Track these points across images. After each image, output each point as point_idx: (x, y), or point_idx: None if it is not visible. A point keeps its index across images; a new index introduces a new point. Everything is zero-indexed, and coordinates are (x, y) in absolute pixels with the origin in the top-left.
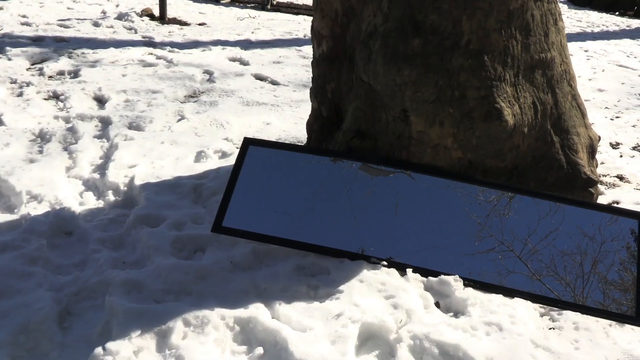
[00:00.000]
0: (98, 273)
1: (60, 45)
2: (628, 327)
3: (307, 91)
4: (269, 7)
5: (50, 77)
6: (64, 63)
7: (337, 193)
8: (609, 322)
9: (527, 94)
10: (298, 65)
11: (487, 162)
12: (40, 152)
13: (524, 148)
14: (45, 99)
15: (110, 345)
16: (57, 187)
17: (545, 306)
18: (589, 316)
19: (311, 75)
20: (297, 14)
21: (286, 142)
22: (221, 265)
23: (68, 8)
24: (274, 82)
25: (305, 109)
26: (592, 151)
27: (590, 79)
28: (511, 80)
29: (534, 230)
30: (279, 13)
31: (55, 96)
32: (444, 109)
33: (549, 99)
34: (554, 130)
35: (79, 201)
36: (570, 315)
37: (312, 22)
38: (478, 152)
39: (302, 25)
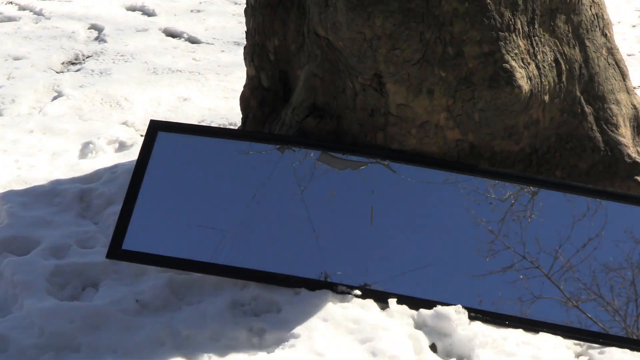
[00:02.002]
0: None
1: None
2: None
3: (241, 51)
4: None
5: None
6: None
7: (288, 195)
8: None
9: (547, 49)
10: (226, 15)
11: (495, 144)
12: None
13: (545, 124)
14: None
15: None
16: None
17: (582, 342)
18: None
19: (245, 28)
20: None
21: (212, 125)
22: (123, 306)
23: None
24: (192, 40)
25: (238, 77)
26: (637, 125)
27: (633, 26)
28: (524, 31)
29: (568, 238)
30: None
31: None
32: (433, 72)
33: (577, 55)
34: (585, 97)
35: None
36: (616, 354)
37: None
38: (482, 131)
39: None
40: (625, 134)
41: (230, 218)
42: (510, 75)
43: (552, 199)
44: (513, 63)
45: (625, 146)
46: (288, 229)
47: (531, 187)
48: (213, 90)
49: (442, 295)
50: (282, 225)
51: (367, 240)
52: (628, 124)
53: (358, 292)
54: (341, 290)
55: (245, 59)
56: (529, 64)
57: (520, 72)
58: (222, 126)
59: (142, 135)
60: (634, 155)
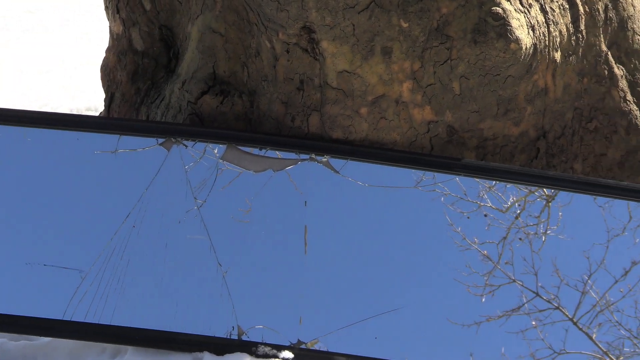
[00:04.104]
0: None
1: None
2: None
3: None
4: None
5: None
6: None
7: (178, 213)
8: None
9: None
10: None
11: (485, 127)
12: None
13: (556, 94)
14: None
15: None
16: None
17: None
18: None
19: None
20: None
21: (59, 110)
22: None
23: None
24: None
25: (97, 37)
26: None
27: None
28: None
29: (601, 263)
30: None
31: None
32: (390, 22)
33: None
34: (615, 53)
35: None
36: None
37: None
38: (466, 107)
39: None
40: None
41: (91, 251)
42: (503, 23)
43: (576, 205)
44: (507, 5)
45: None
46: (180, 262)
47: (544, 190)
48: (58, 56)
49: (414, 354)
50: (172, 257)
51: (299, 277)
52: None
53: (289, 354)
54: (263, 352)
55: (106, 8)
56: (530, 5)
57: (518, 19)
58: (73, 112)
59: None
60: None
